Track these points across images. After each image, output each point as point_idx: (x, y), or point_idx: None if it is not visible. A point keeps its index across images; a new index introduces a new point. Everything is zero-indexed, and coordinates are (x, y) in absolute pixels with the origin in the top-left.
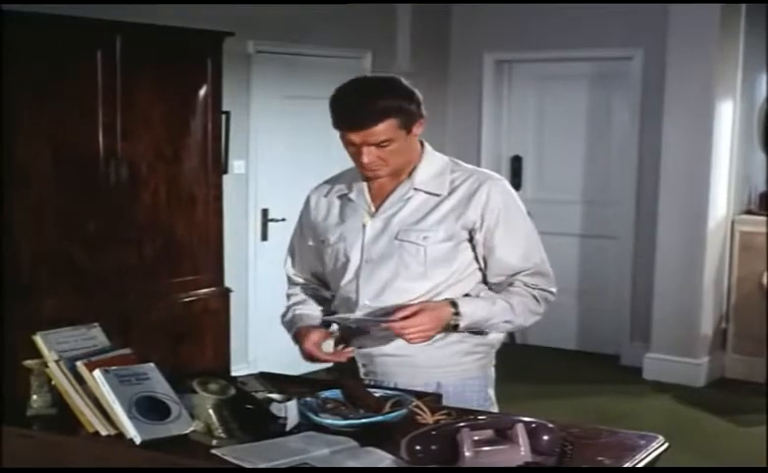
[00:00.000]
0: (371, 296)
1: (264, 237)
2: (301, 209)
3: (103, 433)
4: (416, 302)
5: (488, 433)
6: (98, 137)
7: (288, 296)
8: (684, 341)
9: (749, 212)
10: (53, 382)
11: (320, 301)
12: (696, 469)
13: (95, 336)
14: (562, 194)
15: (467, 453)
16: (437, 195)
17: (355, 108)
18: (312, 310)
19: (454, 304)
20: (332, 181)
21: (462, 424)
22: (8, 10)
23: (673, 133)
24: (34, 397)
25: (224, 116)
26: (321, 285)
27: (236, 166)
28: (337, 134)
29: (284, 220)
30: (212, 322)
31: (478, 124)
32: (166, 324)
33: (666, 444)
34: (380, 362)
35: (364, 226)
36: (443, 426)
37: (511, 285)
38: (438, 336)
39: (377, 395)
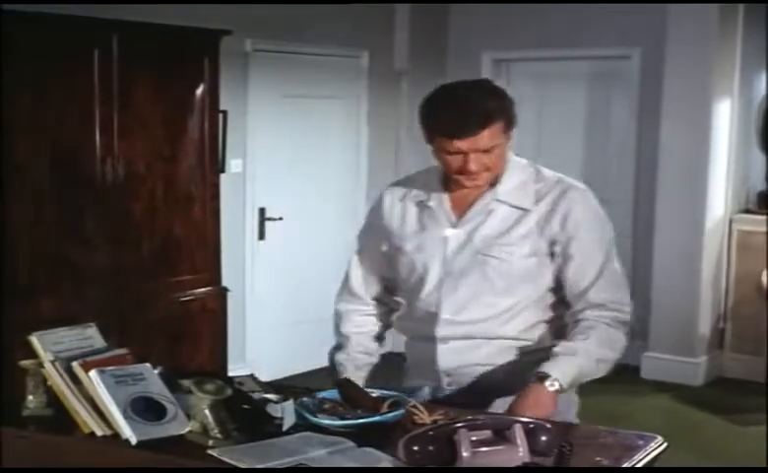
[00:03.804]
0: (453, 310)
1: (261, 237)
2: (371, 211)
3: (99, 433)
4: (500, 316)
5: (486, 433)
6: (95, 136)
7: (340, 315)
8: (682, 340)
9: (747, 211)
10: (49, 383)
11: (381, 321)
12: (696, 469)
13: (90, 336)
14: None
15: (464, 454)
16: (522, 209)
17: (461, 114)
18: (363, 362)
19: (544, 375)
20: (405, 184)
21: (459, 424)
22: (5, 9)
23: (672, 132)
24: (30, 398)
25: (221, 115)
26: (387, 294)
27: (234, 164)
28: (335, 133)
29: (281, 219)
30: (209, 322)
31: None
32: (164, 324)
33: (664, 444)
34: (466, 373)
35: (446, 237)
36: (440, 426)
37: (579, 320)
38: (529, 345)
39: (374, 395)
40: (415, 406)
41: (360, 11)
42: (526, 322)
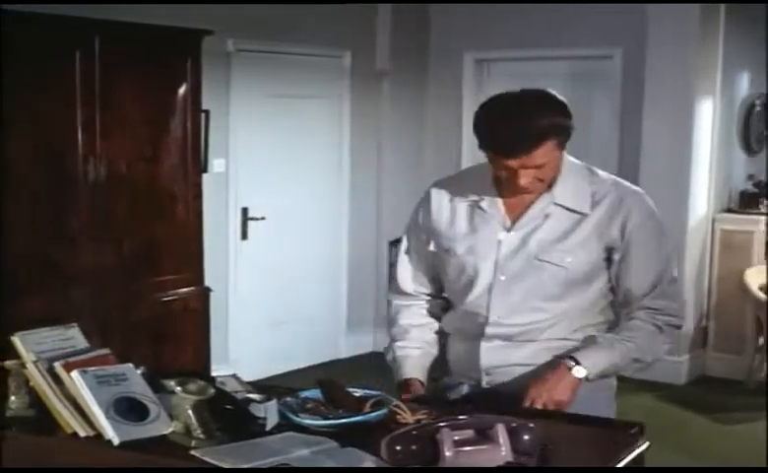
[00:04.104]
0: (503, 314)
1: (244, 236)
2: (418, 210)
3: (82, 434)
4: (550, 320)
5: (469, 433)
6: (78, 136)
7: (395, 312)
8: None
9: (730, 210)
10: (31, 384)
11: (436, 311)
12: (684, 469)
13: (73, 337)
14: None
15: (447, 453)
16: (579, 213)
17: (511, 133)
18: (414, 350)
19: (573, 359)
20: (455, 183)
21: (442, 424)
22: None
23: (653, 132)
24: (13, 398)
25: (203, 115)
26: (437, 292)
27: (216, 164)
28: (317, 132)
29: (263, 219)
30: (192, 322)
31: (458, 123)
32: (146, 324)
33: (646, 443)
34: (507, 371)
35: (499, 241)
36: (423, 426)
37: (632, 318)
38: (571, 345)
39: (357, 395)
40: (397, 405)
41: (342, 11)
42: (574, 325)
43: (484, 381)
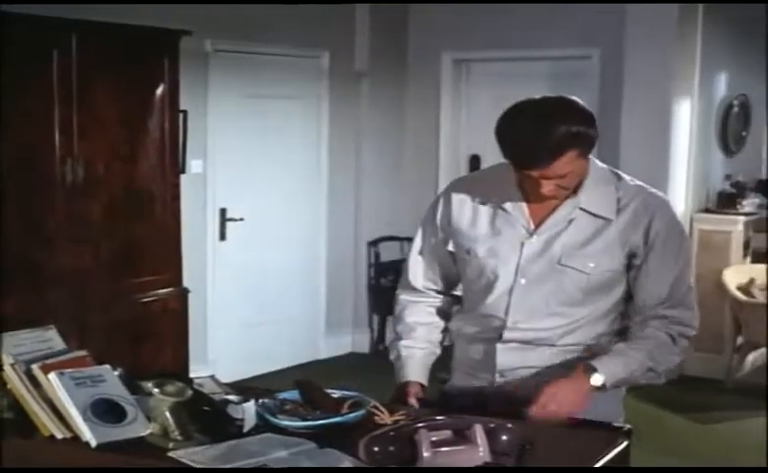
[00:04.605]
0: (522, 317)
1: (222, 237)
2: (435, 207)
3: (59, 436)
4: (569, 325)
5: (447, 433)
6: (55, 137)
7: (402, 308)
8: None
9: (708, 210)
10: (9, 386)
11: (441, 315)
12: (665, 469)
13: (50, 338)
14: None
15: (425, 454)
16: (604, 219)
17: (530, 145)
18: (419, 349)
19: (590, 367)
20: (478, 183)
21: (420, 424)
22: None
23: (632, 132)
24: None
25: (181, 115)
26: (447, 290)
27: (194, 165)
28: (296, 133)
29: (242, 219)
30: (170, 323)
31: (436, 123)
32: (125, 325)
33: (625, 442)
34: (522, 373)
35: (522, 244)
36: (401, 426)
37: (646, 326)
38: (580, 350)
39: (335, 396)
40: (375, 406)
41: (320, 12)
42: (593, 331)
43: (498, 383)
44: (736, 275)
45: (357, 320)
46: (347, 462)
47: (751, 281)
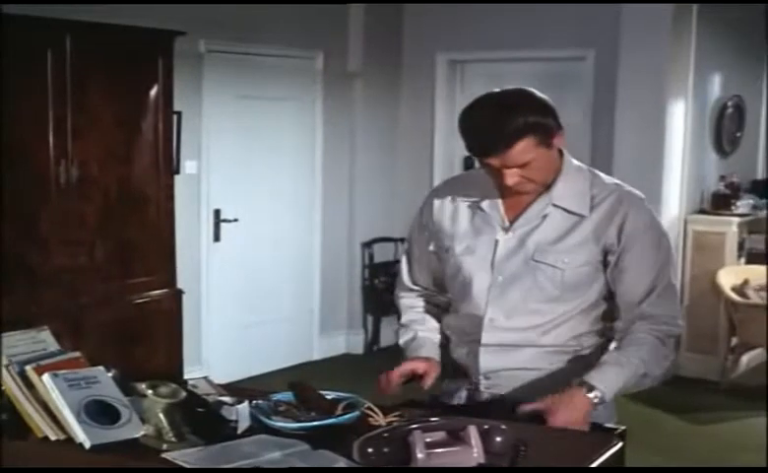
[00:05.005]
0: (500, 315)
1: (216, 238)
2: (422, 207)
3: (53, 437)
4: (548, 323)
5: (441, 434)
6: (49, 137)
7: (404, 304)
8: None
9: (702, 211)
10: (3, 387)
11: (435, 311)
12: (658, 469)
13: (44, 340)
14: None
15: (419, 455)
16: (578, 215)
17: (486, 133)
18: (433, 335)
19: (587, 384)
20: (460, 183)
21: (414, 426)
22: None
23: (626, 133)
24: None
25: (175, 116)
26: (438, 291)
27: (188, 166)
28: (290, 134)
29: (236, 220)
30: (164, 324)
31: (430, 124)
32: (119, 326)
33: (620, 443)
34: (507, 376)
35: (496, 241)
36: (395, 428)
37: (634, 330)
38: (576, 350)
39: (329, 398)
40: (369, 408)
41: (314, 12)
42: (574, 331)
43: (483, 386)
44: (731, 276)
45: (351, 321)
46: (341, 463)
47: (746, 282)
